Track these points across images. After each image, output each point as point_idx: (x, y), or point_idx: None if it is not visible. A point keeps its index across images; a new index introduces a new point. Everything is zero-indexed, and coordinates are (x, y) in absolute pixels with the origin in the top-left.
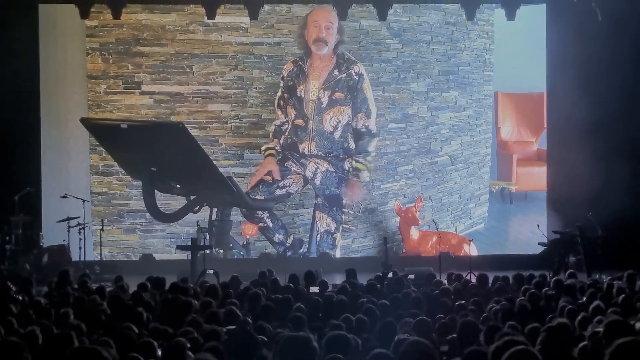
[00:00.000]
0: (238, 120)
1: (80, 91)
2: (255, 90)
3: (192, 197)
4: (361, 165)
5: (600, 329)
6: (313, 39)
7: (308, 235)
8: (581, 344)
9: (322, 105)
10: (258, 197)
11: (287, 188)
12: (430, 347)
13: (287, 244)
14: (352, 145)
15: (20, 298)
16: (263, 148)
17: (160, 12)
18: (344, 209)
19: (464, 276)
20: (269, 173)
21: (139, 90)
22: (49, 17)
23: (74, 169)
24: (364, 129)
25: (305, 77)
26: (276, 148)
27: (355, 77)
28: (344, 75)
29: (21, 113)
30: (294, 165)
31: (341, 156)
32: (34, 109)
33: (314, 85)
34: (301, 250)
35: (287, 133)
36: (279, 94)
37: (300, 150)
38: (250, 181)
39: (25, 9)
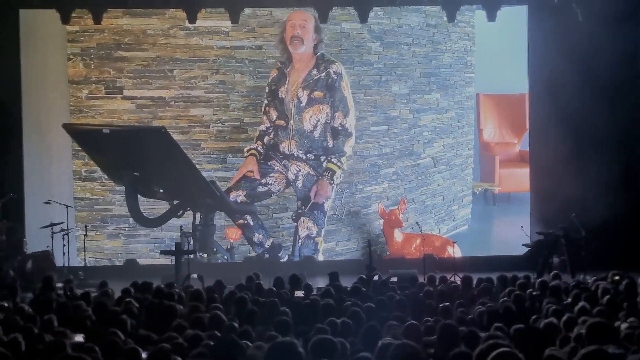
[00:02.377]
0: (220, 124)
1: (61, 96)
2: (237, 94)
3: (175, 202)
4: (334, 166)
5: (584, 330)
6: (289, 38)
7: (292, 239)
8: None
9: (301, 105)
10: (240, 192)
11: (269, 186)
12: (419, 350)
13: (266, 246)
14: (331, 144)
15: (6, 305)
16: (245, 149)
17: (141, 16)
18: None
19: (448, 278)
20: (251, 172)
21: (121, 95)
22: (30, 23)
23: (56, 175)
24: (340, 128)
25: (287, 79)
26: (258, 149)
27: (333, 75)
28: (323, 74)
29: (2, 119)
30: (277, 165)
31: (322, 157)
32: (15, 115)
33: (294, 85)
34: (280, 254)
35: (270, 135)
36: (264, 101)
37: (281, 149)
38: (233, 177)
39: (5, 15)
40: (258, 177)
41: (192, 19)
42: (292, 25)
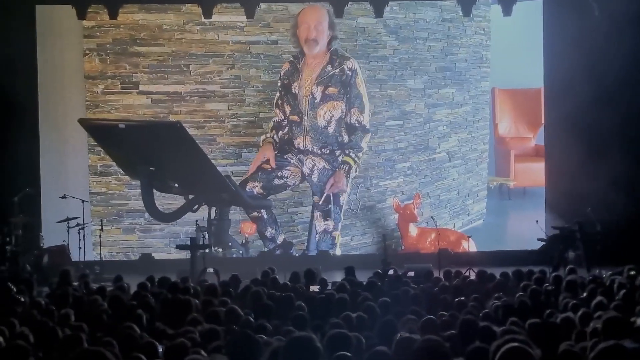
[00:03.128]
0: (235, 119)
1: (78, 92)
2: (252, 89)
3: (190, 197)
4: (350, 160)
5: (599, 325)
6: (304, 40)
7: (306, 234)
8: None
9: (315, 101)
10: (256, 183)
11: (285, 179)
12: (444, 345)
13: (278, 242)
14: (346, 139)
15: (22, 299)
16: (262, 137)
17: (157, 12)
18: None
19: (463, 272)
20: (267, 162)
21: (137, 90)
22: (46, 19)
23: (72, 170)
24: (357, 124)
25: (300, 74)
26: (274, 137)
27: (348, 72)
28: (337, 70)
29: (20, 114)
30: (293, 158)
31: (337, 152)
32: (31, 110)
33: (308, 81)
34: (291, 251)
35: (285, 130)
36: (277, 94)
37: (296, 145)
38: (249, 168)
39: (22, 11)
40: (274, 165)
41: (207, 14)
42: (307, 26)
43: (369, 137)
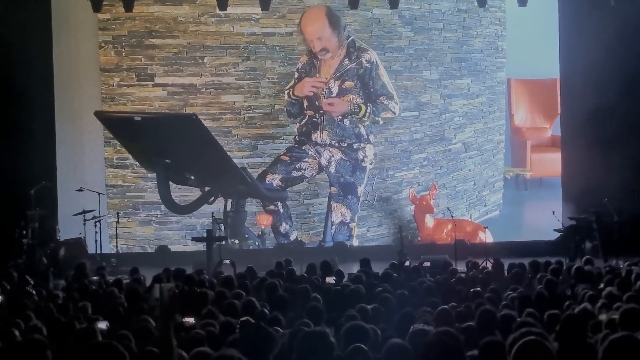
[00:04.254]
0: (251, 111)
1: (93, 84)
2: (267, 80)
3: (206, 189)
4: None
5: (616, 316)
6: (313, 50)
7: (322, 225)
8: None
9: (332, 95)
10: (276, 175)
11: (303, 171)
12: (458, 338)
13: (291, 239)
14: (364, 130)
15: (38, 292)
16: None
17: (172, 4)
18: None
19: (480, 263)
20: (285, 153)
21: (152, 83)
22: (62, 11)
23: (88, 162)
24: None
25: (317, 69)
26: None
27: (366, 64)
28: (354, 64)
29: (35, 107)
30: (310, 150)
31: (354, 144)
32: (48, 103)
33: (325, 76)
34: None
35: (302, 122)
36: (291, 83)
37: (314, 139)
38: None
39: (37, 4)
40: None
41: (222, 6)
42: (311, 41)
43: (395, 111)
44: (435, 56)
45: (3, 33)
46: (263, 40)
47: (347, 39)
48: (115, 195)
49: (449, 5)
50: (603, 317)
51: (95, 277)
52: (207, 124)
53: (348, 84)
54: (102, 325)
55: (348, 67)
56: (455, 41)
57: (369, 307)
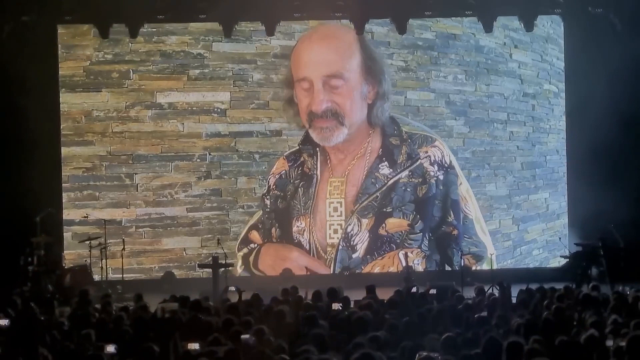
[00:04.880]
0: None
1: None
2: None
3: None
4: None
5: (624, 343)
6: (305, 114)
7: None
8: None
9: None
10: None
11: None
12: None
13: None
14: None
15: (43, 319)
16: None
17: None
18: None
19: (486, 290)
20: None
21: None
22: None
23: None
24: None
25: (314, 185)
26: None
27: (434, 173)
28: (405, 171)
29: (42, 133)
30: None
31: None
32: (54, 129)
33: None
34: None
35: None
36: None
37: None
38: None
39: (44, 30)
40: None
41: (227, 32)
42: (308, 82)
43: None
44: (500, 161)
45: (7, 59)
46: None
47: (382, 112)
48: (120, 222)
49: (513, 87)
50: (610, 343)
51: (100, 305)
52: None
53: (394, 223)
54: (111, 348)
55: (391, 179)
56: (524, 139)
57: (377, 334)
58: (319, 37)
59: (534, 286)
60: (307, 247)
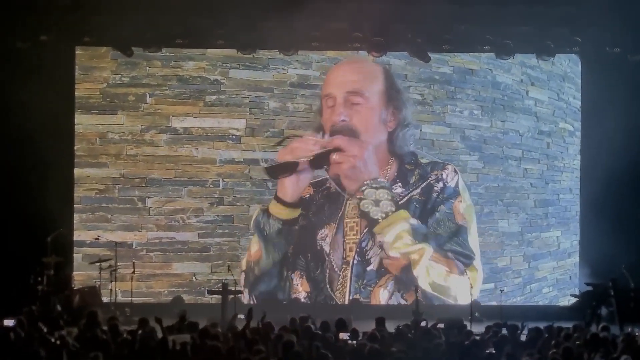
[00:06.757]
0: None
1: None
2: None
3: None
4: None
5: None
6: (328, 126)
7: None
8: None
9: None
10: None
11: None
12: None
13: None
14: None
15: (52, 340)
16: None
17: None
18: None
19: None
20: None
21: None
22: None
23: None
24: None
25: (340, 210)
26: None
27: (445, 200)
28: (418, 190)
29: (55, 154)
30: None
31: None
32: (67, 151)
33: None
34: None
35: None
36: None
37: None
38: None
39: (62, 51)
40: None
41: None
42: (332, 100)
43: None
44: (513, 198)
45: (23, 77)
46: None
47: (405, 142)
48: (131, 244)
49: (528, 125)
50: None
51: (107, 328)
52: None
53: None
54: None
55: (403, 198)
56: (538, 176)
57: None
58: (349, 61)
59: (542, 325)
60: (326, 259)
